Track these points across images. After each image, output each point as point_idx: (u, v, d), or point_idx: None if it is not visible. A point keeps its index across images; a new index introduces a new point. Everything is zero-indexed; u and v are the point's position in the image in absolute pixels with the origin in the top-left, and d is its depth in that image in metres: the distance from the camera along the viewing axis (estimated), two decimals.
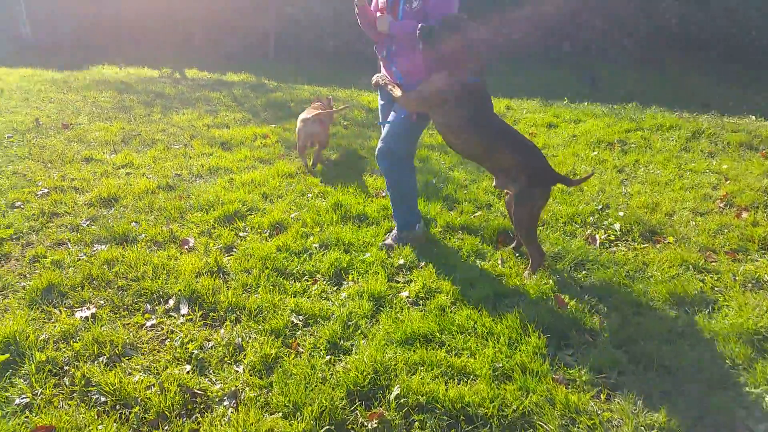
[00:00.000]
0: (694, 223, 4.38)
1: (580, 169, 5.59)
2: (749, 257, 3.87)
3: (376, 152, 3.92)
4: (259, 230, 4.26)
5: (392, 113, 3.89)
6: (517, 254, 3.91)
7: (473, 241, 4.03)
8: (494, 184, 3.72)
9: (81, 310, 3.22)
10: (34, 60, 12.62)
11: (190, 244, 4.05)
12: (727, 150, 6.19)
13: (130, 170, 5.51)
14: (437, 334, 2.99)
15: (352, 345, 2.94)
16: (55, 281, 3.44)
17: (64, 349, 2.85)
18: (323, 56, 14.87)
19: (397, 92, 3.67)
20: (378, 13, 3.72)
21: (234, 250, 3.97)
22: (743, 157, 5.92)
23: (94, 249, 3.93)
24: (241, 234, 4.21)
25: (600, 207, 4.67)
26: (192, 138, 6.65)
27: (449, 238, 4.16)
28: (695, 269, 3.68)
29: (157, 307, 3.28)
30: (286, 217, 4.41)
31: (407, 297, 3.39)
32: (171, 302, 3.32)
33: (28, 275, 3.60)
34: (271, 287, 3.46)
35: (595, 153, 6.01)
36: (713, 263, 3.76)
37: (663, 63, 12.43)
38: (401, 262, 3.78)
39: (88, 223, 4.34)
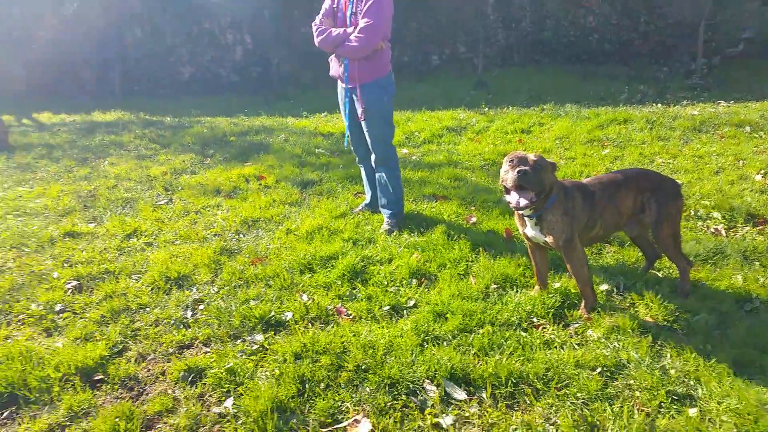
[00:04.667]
0: None
1: (603, 168, 5.65)
2: None
3: (374, 163, 4.49)
4: (403, 281, 3.61)
5: (365, 122, 4.33)
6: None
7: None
8: (630, 235, 3.55)
9: (353, 426, 2.41)
10: None
11: (346, 313, 3.30)
12: (689, 135, 6.73)
13: (148, 239, 4.37)
14: None
15: None
16: (280, 396, 2.55)
17: None
18: (179, 86, 13.51)
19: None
20: (332, 57, 4.40)
21: (407, 308, 3.31)
22: (711, 140, 6.48)
23: (251, 343, 3.01)
24: (390, 290, 3.52)
25: None
26: (168, 190, 5.50)
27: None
28: None
29: (425, 398, 2.58)
30: (418, 263, 3.80)
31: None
32: (431, 387, 2.64)
33: (208, 399, 2.63)
34: (517, 345, 2.92)
35: (606, 151, 6.15)
36: None
37: (523, 67, 13.36)
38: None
39: (191, 313, 3.33)
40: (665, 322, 3.07)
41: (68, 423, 2.50)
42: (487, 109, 9.13)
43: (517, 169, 2.89)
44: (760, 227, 4.18)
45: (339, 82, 4.48)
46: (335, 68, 4.40)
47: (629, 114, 7.61)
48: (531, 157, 2.97)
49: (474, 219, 4.53)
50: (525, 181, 2.89)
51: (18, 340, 3.03)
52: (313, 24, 4.34)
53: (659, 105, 8.90)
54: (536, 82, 11.92)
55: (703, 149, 6.02)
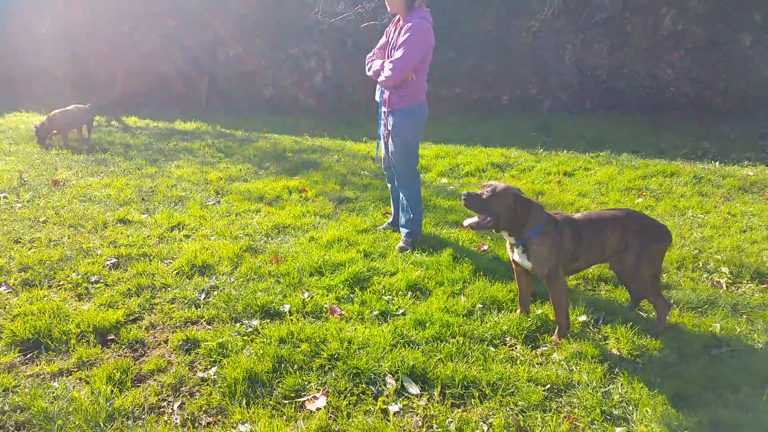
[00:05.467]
0: None
1: None
2: None
3: (396, 183, 4.82)
4: (399, 293, 3.91)
5: (390, 144, 4.69)
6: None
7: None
8: (613, 270, 3.68)
9: (311, 402, 2.74)
10: None
11: (339, 313, 3.63)
12: (733, 194, 6.68)
13: (188, 232, 4.88)
14: None
15: None
16: (256, 369, 2.91)
17: None
18: (259, 104, 14.41)
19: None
20: (377, 85, 4.81)
21: (395, 315, 3.60)
22: (754, 201, 6.41)
23: (247, 326, 3.40)
24: (384, 298, 3.84)
25: (695, 251, 4.81)
26: (218, 193, 6.05)
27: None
28: None
29: (383, 389, 2.87)
30: (418, 278, 4.09)
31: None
32: (391, 381, 2.92)
33: (197, 366, 3.03)
34: (480, 357, 3.17)
35: (640, 200, 6.25)
36: None
37: (594, 113, 13.43)
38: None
39: (204, 296, 3.76)
40: (629, 355, 3.23)
41: (75, 369, 2.96)
42: (541, 150, 9.31)
43: (463, 193, 3.27)
44: (764, 286, 4.22)
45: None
46: (378, 93, 4.83)
47: (678, 167, 7.61)
48: (499, 186, 3.26)
49: (485, 247, 4.78)
50: (467, 204, 3.30)
51: (53, 300, 3.56)
52: (368, 56, 4.80)
53: (717, 163, 8.80)
54: (601, 129, 11.96)
55: (740, 208, 5.99)
